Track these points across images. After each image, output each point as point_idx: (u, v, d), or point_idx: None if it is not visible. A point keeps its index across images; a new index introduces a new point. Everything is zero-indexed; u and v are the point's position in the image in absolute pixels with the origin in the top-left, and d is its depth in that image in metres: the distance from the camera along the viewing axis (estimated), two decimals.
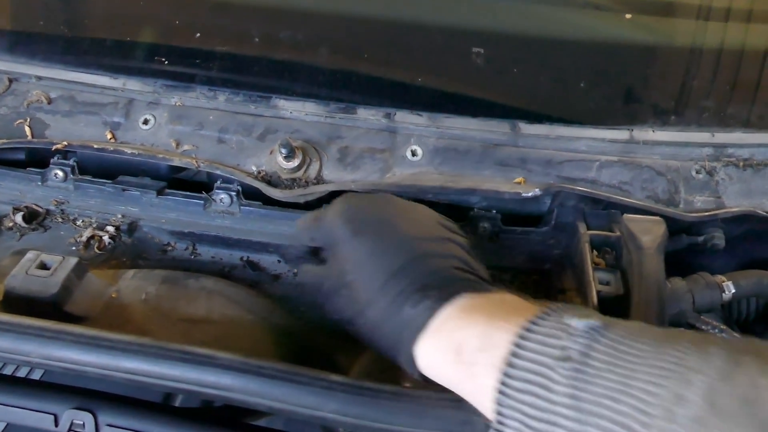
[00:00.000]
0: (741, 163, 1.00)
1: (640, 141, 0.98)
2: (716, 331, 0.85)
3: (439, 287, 0.61)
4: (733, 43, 1.05)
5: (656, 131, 0.98)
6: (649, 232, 0.82)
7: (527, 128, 0.96)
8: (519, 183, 0.93)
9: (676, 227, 0.93)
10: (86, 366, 0.62)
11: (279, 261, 0.94)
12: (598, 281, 0.81)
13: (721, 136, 1.00)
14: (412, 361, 0.60)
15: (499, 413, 0.51)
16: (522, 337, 0.52)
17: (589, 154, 0.97)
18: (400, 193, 0.88)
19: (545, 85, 0.99)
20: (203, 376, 0.62)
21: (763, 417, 0.42)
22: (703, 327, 0.85)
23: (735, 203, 0.97)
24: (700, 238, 0.99)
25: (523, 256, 0.95)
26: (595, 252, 0.86)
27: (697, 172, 0.98)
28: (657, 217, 0.85)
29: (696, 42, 1.03)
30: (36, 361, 0.62)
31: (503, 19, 1.00)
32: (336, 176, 0.93)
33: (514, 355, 0.51)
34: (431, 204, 0.93)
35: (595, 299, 0.76)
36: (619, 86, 1.01)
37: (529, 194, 0.90)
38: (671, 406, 0.44)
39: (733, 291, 0.88)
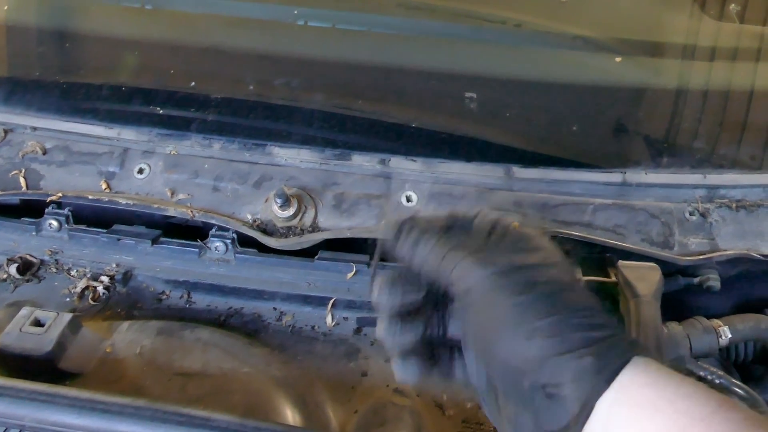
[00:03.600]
0: (734, 205, 1.00)
1: (634, 183, 0.98)
2: (714, 377, 0.85)
3: (617, 337, 0.49)
4: (721, 84, 1.06)
5: (649, 173, 0.99)
6: (644, 279, 0.82)
7: (521, 172, 0.97)
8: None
9: (671, 269, 0.93)
10: (81, 430, 0.61)
11: (274, 308, 0.93)
12: None
13: (713, 178, 1.01)
14: (576, 415, 0.47)
15: None
16: None
17: (583, 197, 0.97)
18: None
19: (538, 129, 1.00)
20: None
21: None
22: (702, 373, 0.85)
23: (729, 245, 0.98)
24: (696, 280, 0.99)
25: None
26: None
27: (690, 214, 0.99)
28: (652, 264, 0.85)
29: (685, 83, 1.04)
30: (30, 426, 0.61)
31: (495, 63, 1.02)
32: (332, 223, 0.93)
33: None
34: None
35: None
36: (612, 129, 1.02)
37: None
38: None
39: (730, 336, 0.88)
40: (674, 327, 0.88)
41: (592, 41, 1.04)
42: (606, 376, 0.47)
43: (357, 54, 1.03)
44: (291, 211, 0.89)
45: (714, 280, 0.97)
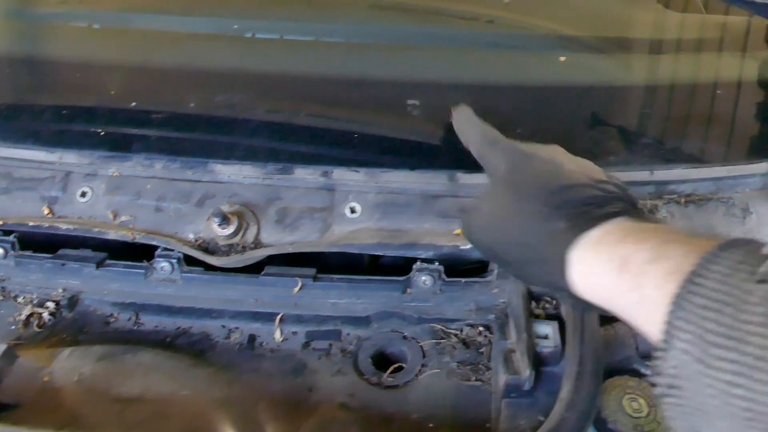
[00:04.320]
0: (682, 200, 1.00)
1: None
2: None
3: (602, 205, 0.61)
4: (667, 79, 1.06)
5: None
6: None
7: (466, 178, 0.96)
8: (459, 234, 0.93)
9: None
10: None
11: (223, 326, 0.93)
12: (536, 334, 0.80)
13: (661, 174, 1.00)
14: (562, 269, 0.59)
15: (670, 324, 0.48)
16: (707, 259, 0.48)
17: None
18: (338, 252, 0.88)
19: None
20: None
21: None
22: (647, 372, 0.85)
23: None
24: None
25: (468, 307, 0.94)
26: (534, 302, 0.85)
27: None
28: None
29: (630, 79, 1.04)
30: None
31: (436, 68, 1.01)
32: (275, 238, 0.92)
33: (697, 273, 0.48)
34: (373, 258, 0.94)
35: (530, 354, 0.76)
36: (556, 129, 1.02)
37: (468, 246, 0.90)
38: None
39: None
40: (621, 327, 0.88)
41: (540, 38, 1.04)
42: (570, 238, 0.59)
43: (298, 65, 1.03)
44: (231, 229, 0.89)
45: None
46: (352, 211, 0.95)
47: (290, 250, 0.88)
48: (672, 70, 1.06)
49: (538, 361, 0.78)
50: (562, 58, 1.03)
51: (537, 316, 0.84)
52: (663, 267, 0.51)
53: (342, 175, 0.96)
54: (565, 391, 0.72)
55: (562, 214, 0.61)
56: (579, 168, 0.67)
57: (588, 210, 0.60)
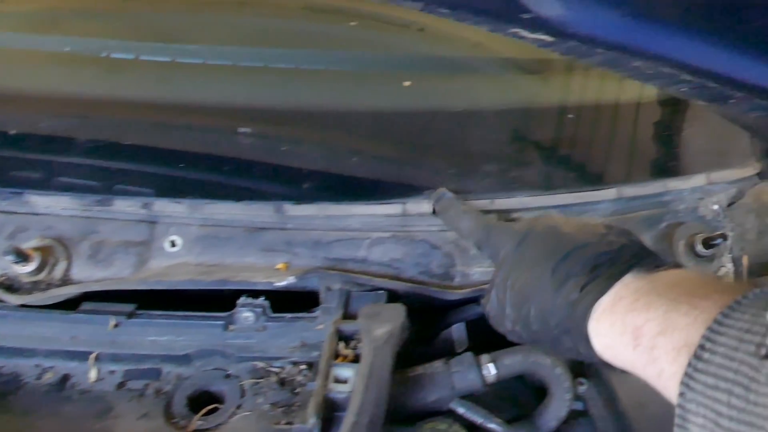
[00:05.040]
0: None
1: (415, 214, 0.95)
2: (475, 416, 0.82)
3: (609, 264, 0.62)
4: (513, 102, 1.03)
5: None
6: (387, 322, 0.78)
7: (294, 209, 0.93)
8: (280, 269, 0.90)
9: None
10: None
11: (36, 366, 0.89)
12: (335, 378, 0.77)
13: (501, 202, 0.97)
14: (587, 343, 0.61)
15: (683, 407, 0.49)
16: (713, 330, 0.49)
17: (361, 231, 0.94)
18: (148, 289, 0.85)
19: (313, 163, 0.95)
20: None
21: None
22: (461, 410, 0.82)
23: None
24: None
25: (293, 344, 0.91)
26: (344, 343, 0.82)
27: None
28: (398, 305, 0.81)
29: (474, 103, 1.01)
30: None
31: (268, 95, 0.97)
32: (86, 274, 0.89)
33: (704, 348, 0.48)
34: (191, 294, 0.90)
35: (319, 401, 0.72)
36: (392, 158, 0.99)
37: (283, 283, 0.87)
38: None
39: (495, 372, 0.85)
40: (437, 366, 0.85)
41: (381, 60, 1.00)
42: (586, 310, 0.60)
43: (116, 91, 0.99)
44: (32, 265, 0.85)
45: None
46: (173, 244, 0.91)
47: (97, 287, 0.84)
48: (520, 93, 1.03)
49: (332, 407, 0.75)
50: (407, 83, 1.00)
51: (345, 357, 0.81)
52: (673, 339, 0.52)
53: (164, 206, 0.92)
54: None
55: (572, 284, 0.62)
56: (577, 228, 0.69)
57: (597, 274, 0.62)
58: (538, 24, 0.61)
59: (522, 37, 0.63)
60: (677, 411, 0.49)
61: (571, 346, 0.63)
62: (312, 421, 0.71)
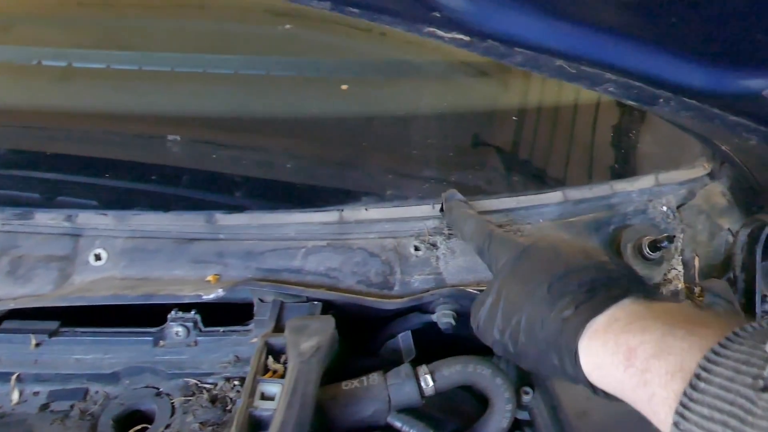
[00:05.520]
0: None
1: (352, 221, 0.92)
2: (409, 428, 0.79)
3: (606, 287, 0.61)
4: (455, 105, 1.01)
5: (370, 209, 0.93)
6: (315, 335, 0.75)
7: (225, 219, 0.89)
8: (210, 281, 0.86)
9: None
10: None
11: None
12: (262, 394, 0.74)
13: None
14: (574, 361, 0.59)
15: None
16: (709, 360, 0.48)
17: (297, 240, 0.91)
18: (77, 306, 0.81)
19: (245, 170, 0.92)
20: None
21: None
22: (397, 424, 0.79)
23: (456, 279, 0.92)
24: (434, 317, 0.93)
25: (227, 359, 0.87)
26: (272, 358, 0.79)
27: (416, 249, 0.93)
28: (328, 317, 0.79)
29: (409, 108, 0.98)
30: None
31: (199, 101, 0.94)
32: (5, 292, 0.85)
33: (700, 377, 0.47)
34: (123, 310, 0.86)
35: (242, 419, 0.69)
36: (328, 164, 0.96)
37: (211, 296, 0.83)
38: None
39: (432, 383, 0.82)
40: (374, 378, 0.82)
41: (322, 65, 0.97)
42: (579, 326, 0.58)
43: (34, 99, 0.95)
44: None
45: (446, 317, 0.92)
46: (97, 258, 0.87)
47: (12, 306, 0.80)
48: (463, 97, 1.01)
49: (257, 426, 0.71)
50: (344, 87, 0.97)
51: (275, 373, 0.78)
52: (667, 363, 0.51)
53: (88, 219, 0.88)
54: None
55: (568, 301, 0.61)
56: (578, 251, 0.68)
57: (593, 294, 0.61)
58: (452, 23, 0.58)
59: (440, 38, 0.61)
60: None
61: (557, 364, 0.62)
62: None
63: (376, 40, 1.15)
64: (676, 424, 0.47)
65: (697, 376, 0.48)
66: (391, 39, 1.16)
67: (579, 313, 0.60)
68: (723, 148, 0.88)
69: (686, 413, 0.47)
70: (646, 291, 0.63)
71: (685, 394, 0.48)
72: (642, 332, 0.55)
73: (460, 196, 0.91)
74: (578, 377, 0.60)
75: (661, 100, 0.67)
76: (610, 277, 0.63)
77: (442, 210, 0.92)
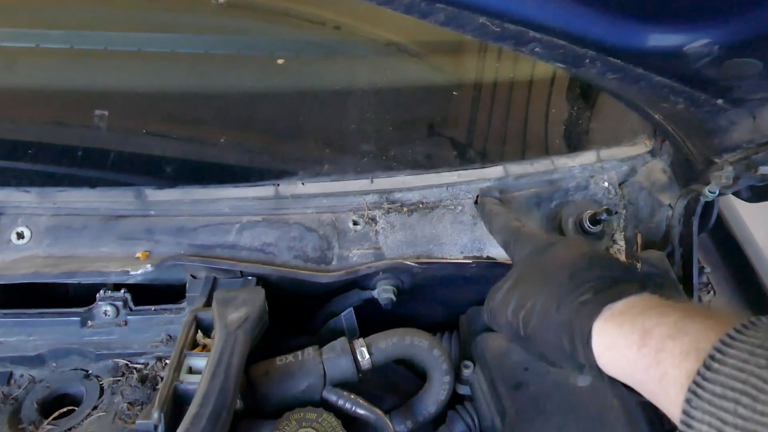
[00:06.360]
0: (405, 209, 0.94)
1: (288, 195, 0.90)
2: (345, 402, 0.77)
3: (627, 282, 0.62)
4: (395, 80, 0.99)
5: (307, 183, 0.91)
6: (243, 306, 0.73)
7: (156, 195, 0.87)
8: (139, 258, 0.84)
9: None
10: None
11: None
12: (190, 368, 0.71)
13: (382, 182, 0.94)
14: (586, 342, 0.60)
15: (688, 414, 0.48)
16: (724, 343, 0.49)
17: (231, 216, 0.88)
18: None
19: (178, 146, 0.89)
20: None
21: None
22: (333, 398, 0.77)
23: (396, 253, 0.91)
24: (373, 293, 0.92)
25: (159, 338, 0.85)
26: (202, 333, 0.76)
27: (354, 224, 0.92)
28: (258, 287, 0.77)
29: (348, 83, 0.96)
30: None
31: (131, 77, 0.91)
32: None
33: (714, 358, 0.48)
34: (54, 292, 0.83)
35: (165, 393, 0.67)
36: (264, 139, 0.94)
37: (139, 272, 0.81)
38: None
39: (368, 357, 0.81)
40: (309, 353, 0.80)
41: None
42: (596, 308, 0.60)
43: None
44: None
45: (387, 292, 0.91)
46: (20, 236, 0.84)
47: None
48: (404, 74, 1.00)
49: (181, 399, 0.69)
50: (280, 61, 0.95)
51: (205, 347, 0.75)
52: (682, 343, 0.52)
53: (9, 195, 0.84)
54: None
55: (588, 287, 0.63)
56: (604, 253, 0.71)
57: (614, 284, 0.62)
58: None
59: None
60: (681, 417, 0.49)
61: (566, 346, 0.62)
62: (155, 415, 0.65)
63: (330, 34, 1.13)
64: (688, 401, 0.48)
65: (712, 357, 0.49)
66: (343, 33, 1.13)
67: (597, 298, 0.61)
68: (656, 117, 0.88)
69: (699, 391, 0.48)
70: (668, 292, 0.64)
71: (698, 373, 0.49)
72: (659, 316, 0.56)
73: (495, 193, 0.93)
74: (587, 359, 0.61)
75: (587, 60, 0.67)
76: (633, 275, 0.66)
77: (476, 202, 0.94)
